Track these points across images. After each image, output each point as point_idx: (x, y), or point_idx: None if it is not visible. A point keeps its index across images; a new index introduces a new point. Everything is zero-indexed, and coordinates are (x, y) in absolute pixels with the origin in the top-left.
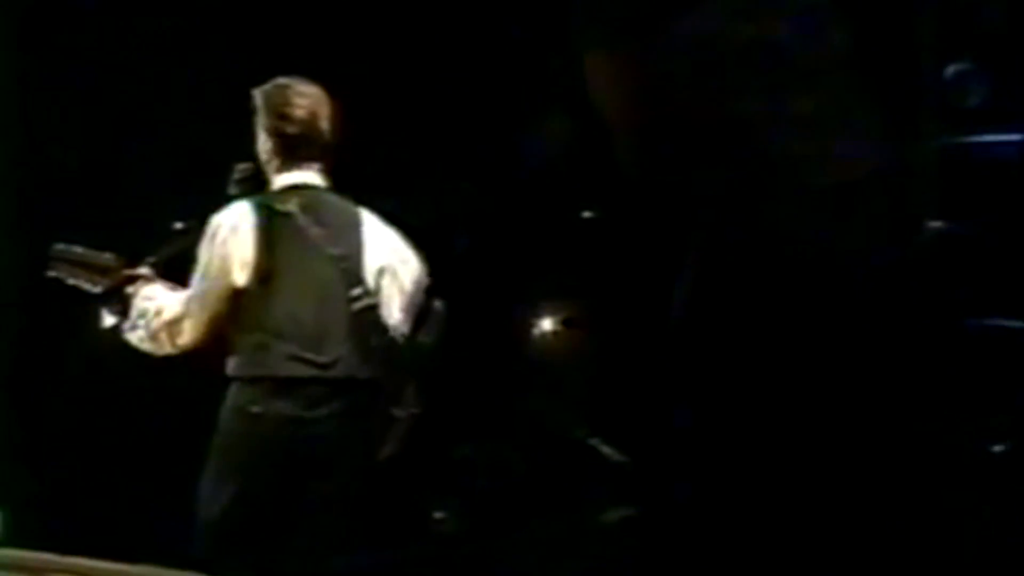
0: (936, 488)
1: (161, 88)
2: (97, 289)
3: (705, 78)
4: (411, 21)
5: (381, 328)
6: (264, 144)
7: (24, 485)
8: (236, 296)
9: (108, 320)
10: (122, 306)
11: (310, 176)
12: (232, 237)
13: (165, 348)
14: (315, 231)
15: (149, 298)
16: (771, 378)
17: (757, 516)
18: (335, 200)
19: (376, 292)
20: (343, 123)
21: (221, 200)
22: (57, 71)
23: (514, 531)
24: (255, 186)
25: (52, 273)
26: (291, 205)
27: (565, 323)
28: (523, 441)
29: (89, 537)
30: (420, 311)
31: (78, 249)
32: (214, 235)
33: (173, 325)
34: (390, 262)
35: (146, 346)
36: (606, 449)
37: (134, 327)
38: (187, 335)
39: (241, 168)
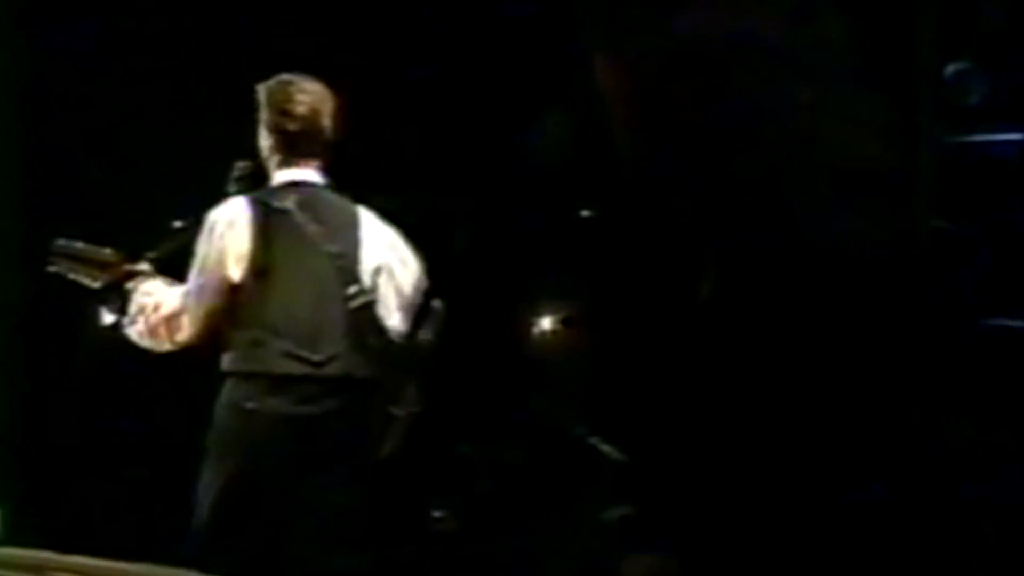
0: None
1: (162, 85)
2: (97, 284)
3: (703, 75)
4: (411, 18)
5: (377, 327)
6: (265, 140)
7: (24, 483)
8: (232, 292)
9: (107, 318)
10: (121, 302)
11: (309, 173)
12: (229, 232)
13: (164, 344)
14: (312, 228)
15: (148, 293)
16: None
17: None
18: (333, 198)
19: (373, 291)
20: (344, 120)
21: (220, 197)
22: (58, 68)
23: (514, 530)
24: (254, 184)
25: (53, 268)
26: (288, 202)
27: (564, 322)
28: (523, 440)
29: (88, 535)
30: (419, 311)
31: (79, 244)
32: (211, 230)
33: (171, 320)
34: (387, 261)
35: (145, 342)
36: (606, 448)
37: (133, 322)
38: (185, 330)
39: (240, 166)
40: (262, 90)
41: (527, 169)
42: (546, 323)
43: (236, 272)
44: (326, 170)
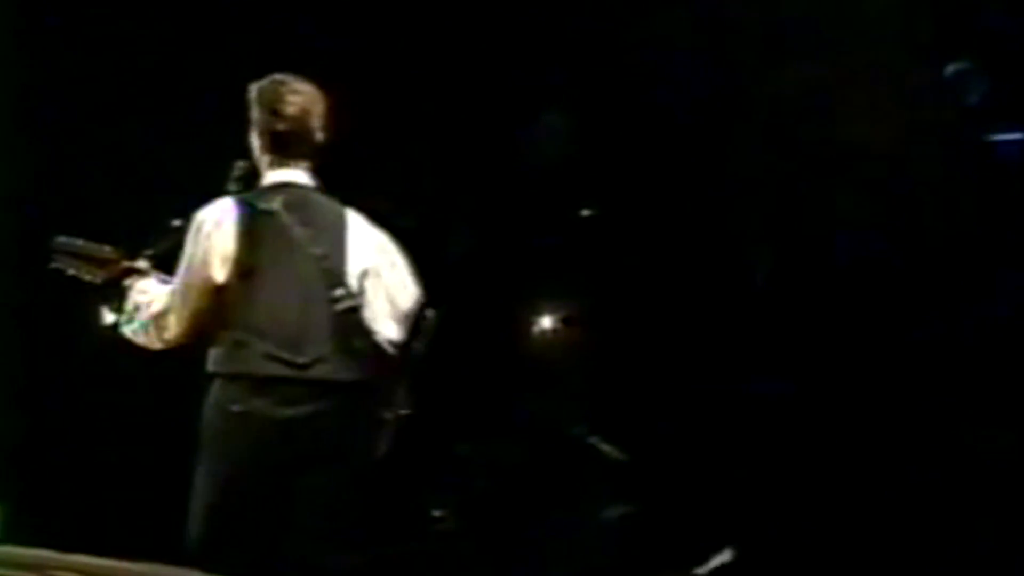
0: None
1: (163, 84)
2: (97, 281)
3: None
4: (407, 18)
5: (363, 330)
6: (255, 140)
7: (24, 482)
8: (217, 292)
9: (108, 318)
10: (120, 300)
11: (298, 175)
12: (215, 232)
13: (155, 342)
14: (298, 230)
15: (143, 291)
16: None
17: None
18: (321, 200)
19: (359, 294)
20: (339, 122)
21: (221, 197)
22: (59, 68)
23: (513, 529)
24: (254, 184)
25: (53, 265)
26: (275, 203)
27: (564, 321)
28: (522, 439)
29: (88, 534)
30: (410, 316)
31: (78, 241)
32: (198, 230)
33: (159, 318)
34: (375, 264)
35: (140, 339)
36: (605, 447)
37: (129, 320)
38: (172, 329)
39: (240, 165)
40: (253, 90)
41: (526, 168)
42: (546, 322)
43: (221, 273)
44: (316, 172)
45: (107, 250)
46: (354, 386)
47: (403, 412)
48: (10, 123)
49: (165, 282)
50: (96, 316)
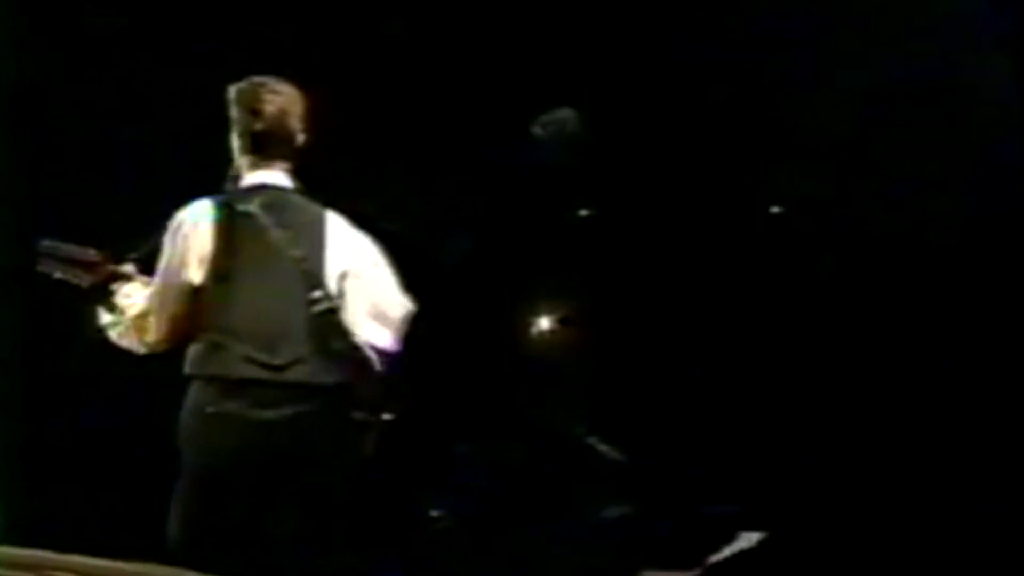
0: None
1: (157, 85)
2: (83, 284)
3: None
4: (402, 16)
5: (342, 332)
6: (235, 141)
7: (20, 483)
8: (195, 294)
9: (104, 318)
10: (110, 303)
11: (277, 176)
12: (192, 233)
13: (138, 346)
14: (276, 232)
15: (127, 295)
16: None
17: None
18: (300, 201)
19: (338, 296)
20: (333, 123)
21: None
22: (51, 71)
23: (512, 529)
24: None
25: (40, 268)
26: (253, 205)
27: (562, 322)
28: (521, 439)
29: (85, 534)
30: (398, 323)
31: (64, 245)
32: (176, 231)
33: (139, 321)
34: (355, 266)
35: (124, 343)
36: (604, 447)
37: (115, 324)
38: (152, 332)
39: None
40: (232, 91)
41: (524, 168)
42: (544, 323)
43: (198, 274)
44: (296, 173)
45: (92, 253)
46: (333, 389)
47: (386, 416)
48: (5, 124)
49: (149, 285)
50: (92, 317)
